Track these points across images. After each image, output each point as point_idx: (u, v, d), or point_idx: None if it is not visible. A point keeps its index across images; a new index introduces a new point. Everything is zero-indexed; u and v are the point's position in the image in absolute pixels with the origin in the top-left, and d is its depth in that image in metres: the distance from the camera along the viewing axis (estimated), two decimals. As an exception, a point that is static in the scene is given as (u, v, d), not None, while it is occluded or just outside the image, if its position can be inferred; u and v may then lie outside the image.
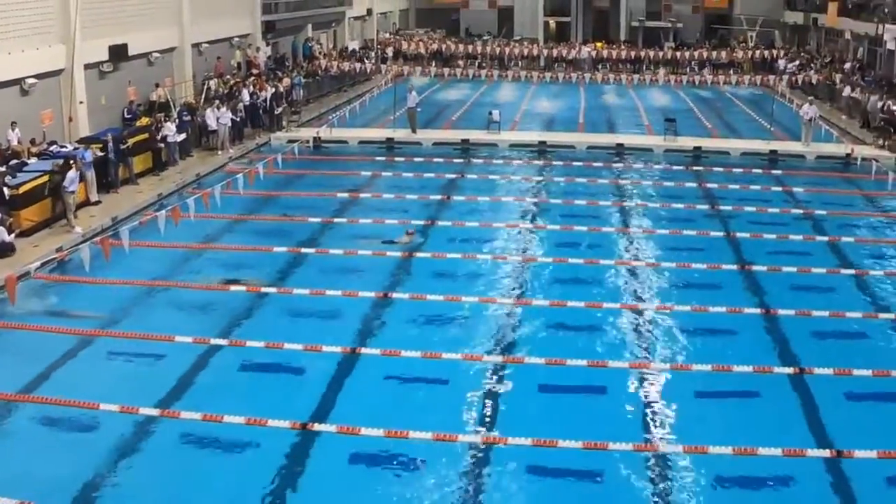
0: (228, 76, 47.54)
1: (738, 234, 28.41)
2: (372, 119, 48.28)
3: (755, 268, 25.36)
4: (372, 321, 21.70)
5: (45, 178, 27.82)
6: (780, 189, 34.94)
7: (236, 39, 51.50)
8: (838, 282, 24.88)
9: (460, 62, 67.72)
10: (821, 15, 68.33)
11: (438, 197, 32.61)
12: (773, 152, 41.16)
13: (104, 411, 16.91)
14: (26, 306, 22.02)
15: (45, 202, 27.92)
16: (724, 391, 18.52)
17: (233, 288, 23.33)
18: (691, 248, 27.30)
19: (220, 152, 38.57)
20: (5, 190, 26.51)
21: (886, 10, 54.15)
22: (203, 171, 35.76)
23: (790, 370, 19.15)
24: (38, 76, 32.15)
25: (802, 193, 34.14)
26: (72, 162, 28.16)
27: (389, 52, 69.64)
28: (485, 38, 75.56)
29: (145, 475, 15.33)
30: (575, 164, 38.66)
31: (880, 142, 41.92)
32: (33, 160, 29.38)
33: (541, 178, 36.44)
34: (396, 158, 40.07)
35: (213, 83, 44.62)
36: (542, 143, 42.56)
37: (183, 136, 36.79)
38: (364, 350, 19.91)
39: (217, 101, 40.05)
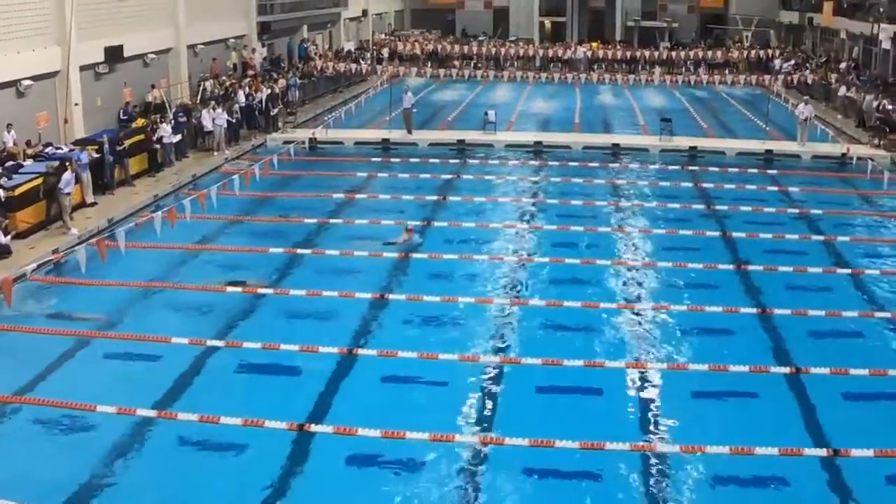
0: (224, 77, 47.51)
1: (734, 234, 28.43)
2: (368, 120, 48.27)
3: (751, 267, 25.38)
4: (368, 322, 21.69)
5: (40, 180, 27.77)
6: (775, 189, 34.98)
7: (232, 41, 51.46)
8: (834, 281, 24.90)
9: (456, 63, 67.70)
10: (816, 14, 68.40)
11: (434, 198, 32.61)
12: (769, 152, 41.21)
13: (101, 413, 16.89)
14: (22, 308, 22.01)
15: (41, 204, 27.90)
16: (721, 391, 18.51)
17: (229, 289, 23.30)
18: (687, 247, 27.33)
19: (215, 153, 38.56)
20: (1, 192, 26.46)
21: (882, 9, 54.18)
22: (199, 173, 35.75)
23: (787, 370, 19.15)
24: (33, 78, 32.09)
25: (798, 193, 34.17)
26: (67, 163, 28.16)
27: (385, 52, 69.63)
28: (480, 38, 75.57)
29: (142, 477, 15.31)
30: (571, 164, 38.68)
31: (876, 141, 41.99)
32: (29, 162, 29.33)
33: (537, 179, 36.45)
34: (392, 159, 40.07)
35: (208, 84, 44.61)
36: (538, 143, 42.60)
37: (179, 137, 36.79)
38: (361, 351, 19.89)
39: (213, 103, 40.05)
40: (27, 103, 32.10)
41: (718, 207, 31.88)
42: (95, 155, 31.08)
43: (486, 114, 44.49)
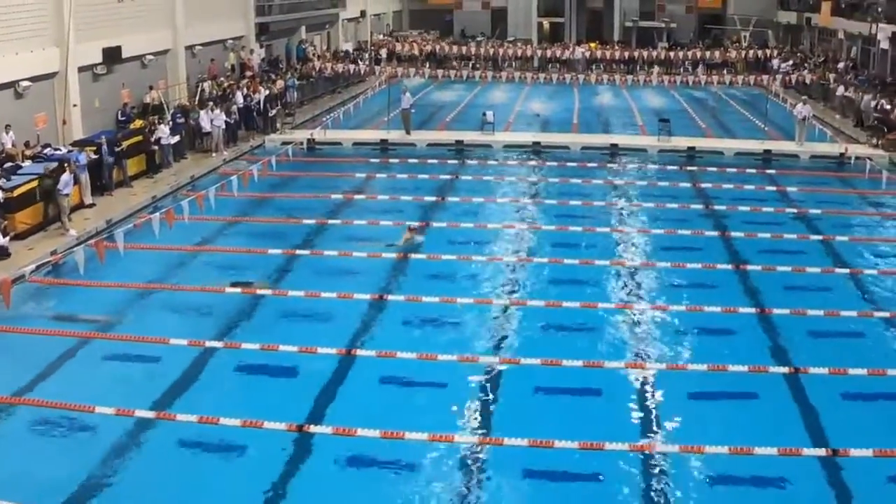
0: (222, 78, 47.48)
1: (733, 234, 28.46)
2: (366, 120, 48.25)
3: (750, 267, 25.40)
4: (367, 323, 21.69)
5: (38, 181, 27.75)
6: (774, 189, 35.01)
7: (230, 42, 51.44)
8: (833, 281, 24.91)
9: (454, 63, 67.68)
10: (814, 15, 68.39)
11: (433, 198, 32.61)
12: (767, 152, 41.22)
13: (99, 414, 16.90)
14: (21, 309, 22.00)
15: (40, 205, 27.90)
16: (720, 391, 18.53)
17: (228, 290, 23.31)
18: (686, 247, 27.35)
19: (214, 154, 38.56)
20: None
21: (880, 9, 54.19)
22: (197, 174, 35.76)
23: (785, 369, 19.17)
24: (32, 79, 32.06)
25: (796, 193, 34.18)
26: (66, 165, 28.16)
27: (383, 53, 69.60)
28: (478, 39, 75.57)
29: (141, 477, 15.30)
30: (569, 164, 38.68)
31: (874, 141, 42.01)
32: (27, 163, 29.33)
33: (535, 179, 36.47)
34: (391, 160, 40.07)
35: (206, 85, 44.54)
36: (537, 143, 42.63)
37: (177, 138, 36.79)
38: (359, 352, 19.90)
39: (211, 104, 40.02)
40: (25, 104, 32.08)
41: (717, 207, 31.91)
42: (94, 156, 31.08)
43: (484, 114, 44.50)
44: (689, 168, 38.71)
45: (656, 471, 15.53)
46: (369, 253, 26.26)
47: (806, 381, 18.71)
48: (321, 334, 20.71)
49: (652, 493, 14.92)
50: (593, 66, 67.80)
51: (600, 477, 15.36)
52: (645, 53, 68.62)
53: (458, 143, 42.61)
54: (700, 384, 18.72)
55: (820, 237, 28.59)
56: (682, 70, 66.41)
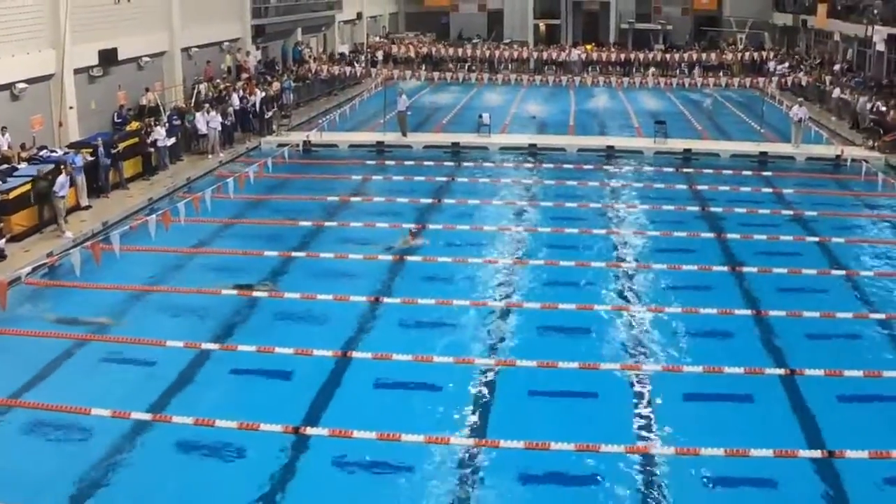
0: (218, 80, 47.45)
1: (729, 236, 28.50)
2: (362, 123, 48.23)
3: (746, 269, 25.42)
4: (363, 325, 21.69)
5: (28, 185, 27.71)
6: (770, 190, 35.05)
7: (226, 44, 51.43)
8: (829, 283, 24.95)
9: (450, 65, 67.66)
10: (810, 17, 68.40)
11: (429, 200, 32.61)
12: (763, 154, 41.19)
13: (96, 416, 16.90)
14: (17, 311, 21.99)
15: (36, 207, 27.86)
16: (716, 393, 18.54)
17: (224, 292, 23.29)
18: (682, 249, 27.35)
19: (210, 156, 38.56)
20: (-5, 195, 26.51)
21: (876, 11, 54.24)
22: (193, 176, 35.75)
23: (781, 371, 19.19)
24: (28, 81, 32.02)
25: (792, 195, 34.23)
26: (62, 167, 28.14)
27: (379, 55, 69.52)
28: (475, 41, 75.56)
29: (137, 480, 15.29)
30: (565, 166, 38.71)
31: (870, 143, 42.02)
32: (23, 165, 29.30)
33: (531, 181, 36.49)
34: (387, 162, 40.04)
35: (203, 87, 44.53)
36: (533, 145, 42.67)
37: (173, 140, 36.77)
38: (355, 354, 19.90)
39: (207, 106, 40.01)
40: (22, 106, 32.05)
41: (713, 209, 31.90)
42: (90, 158, 31.08)
43: (480, 116, 44.51)
44: (685, 170, 38.76)
45: (652, 473, 15.54)
46: (365, 255, 26.27)
47: (802, 382, 18.72)
48: (317, 336, 20.73)
49: (648, 495, 14.94)
50: (589, 68, 67.81)
51: (596, 479, 15.37)
52: (641, 55, 68.57)
53: (455, 145, 42.61)
54: (696, 386, 18.75)
55: (816, 239, 28.62)
56: (678, 72, 66.41)
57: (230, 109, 41.51)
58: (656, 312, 22.49)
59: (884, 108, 43.50)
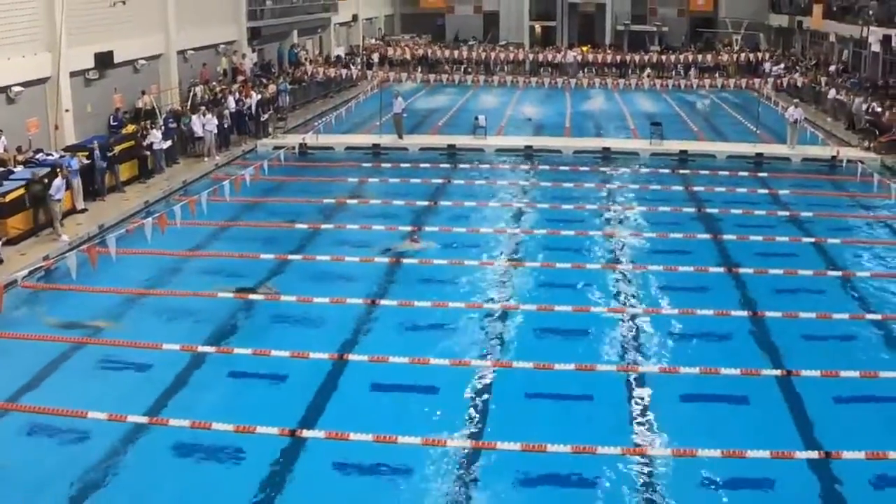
0: (214, 83, 47.48)
1: (725, 237, 28.50)
2: (358, 125, 48.27)
3: (742, 270, 25.43)
4: (360, 327, 21.69)
5: (23, 189, 27.68)
6: (766, 192, 35.09)
7: (222, 46, 51.42)
8: (825, 284, 24.97)
9: (446, 67, 67.68)
10: (805, 18, 68.50)
11: (425, 202, 32.61)
12: (759, 155, 41.20)
13: (92, 419, 16.89)
14: (13, 315, 21.97)
15: (31, 210, 27.83)
16: (712, 394, 18.54)
17: (220, 295, 23.28)
18: (678, 251, 27.35)
19: (206, 159, 38.55)
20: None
21: (871, 12, 54.29)
22: (189, 178, 35.73)
23: (778, 372, 19.20)
24: (23, 84, 32.02)
25: (788, 196, 34.27)
26: (58, 170, 28.13)
27: (375, 57, 69.52)
28: (470, 43, 75.60)
29: (134, 483, 15.28)
30: (561, 168, 38.73)
31: (865, 143, 42.05)
32: (19, 168, 29.28)
33: (527, 183, 36.50)
34: (383, 164, 40.00)
35: (198, 90, 44.54)
36: (529, 147, 42.68)
37: (169, 143, 36.73)
38: (352, 356, 19.90)
39: (203, 108, 39.99)
40: (17, 109, 32.04)
41: (709, 210, 31.92)
42: (86, 161, 31.05)
43: (476, 118, 44.53)
44: (681, 171, 38.79)
45: (649, 474, 15.54)
46: (362, 257, 26.27)
47: (798, 383, 18.72)
48: (313, 339, 20.72)
49: (645, 497, 14.95)
50: (585, 70, 67.85)
51: (593, 481, 15.38)
52: (637, 57, 68.57)
53: (451, 147, 42.62)
54: (692, 387, 18.73)
55: (812, 240, 28.65)
56: (674, 73, 66.43)
57: (226, 112, 41.49)
58: (653, 314, 22.50)
59: (879, 109, 43.55)
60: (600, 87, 63.15)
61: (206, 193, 29.52)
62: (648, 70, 66.57)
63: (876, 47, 53.57)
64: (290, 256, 26.60)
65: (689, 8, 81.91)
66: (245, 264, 25.84)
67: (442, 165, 39.47)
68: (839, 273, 25.68)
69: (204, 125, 38.65)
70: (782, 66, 64.20)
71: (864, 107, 44.86)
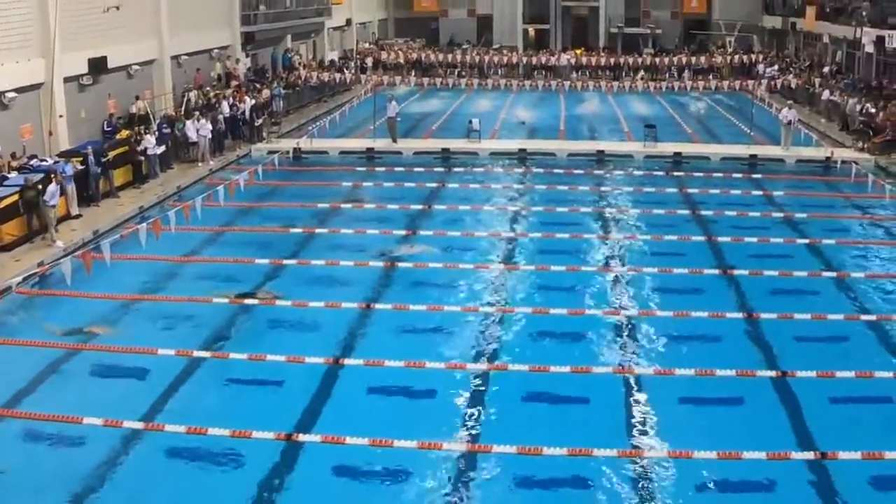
0: (208, 88, 47.48)
1: (720, 239, 28.52)
2: (352, 129, 48.27)
3: (737, 272, 25.44)
4: (355, 331, 21.68)
5: (17, 195, 27.65)
6: (760, 193, 35.13)
7: (216, 51, 51.43)
8: (820, 284, 24.99)
9: (440, 71, 67.70)
10: (799, 19, 68.63)
11: (420, 206, 32.61)
12: (753, 157, 41.27)
13: (88, 425, 16.86)
14: (8, 321, 21.97)
15: (25, 217, 27.80)
16: (708, 395, 18.54)
17: (215, 300, 23.26)
18: (673, 253, 27.37)
19: (200, 164, 38.54)
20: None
21: (864, 13, 54.37)
22: (184, 184, 35.71)
23: (773, 373, 19.20)
24: (17, 90, 32.04)
25: (783, 197, 34.33)
26: (52, 176, 28.11)
27: (369, 61, 69.59)
28: (464, 46, 75.63)
29: (130, 489, 15.26)
30: (556, 171, 38.73)
31: (859, 144, 42.11)
32: (13, 174, 29.26)
33: (522, 186, 36.50)
34: (377, 168, 40.03)
35: (192, 95, 44.52)
36: (523, 150, 42.69)
37: (163, 148, 36.73)
38: (347, 361, 19.89)
39: (197, 113, 39.98)
40: (11, 115, 32.03)
41: (703, 212, 31.92)
42: (80, 167, 31.05)
43: (470, 122, 44.53)
44: (675, 173, 38.79)
45: (645, 476, 15.54)
46: (356, 261, 26.26)
47: (794, 384, 18.73)
48: (309, 343, 20.72)
49: (641, 499, 14.94)
50: (579, 73, 67.88)
51: (589, 483, 15.37)
52: (630, 59, 68.69)
53: (445, 150, 42.66)
54: (688, 389, 18.72)
55: (807, 241, 28.66)
56: (667, 76, 66.49)
57: (220, 117, 41.51)
58: (648, 316, 22.49)
59: (873, 110, 43.64)
60: (594, 90, 63.12)
61: (201, 198, 29.46)
62: (642, 72, 66.70)
63: (869, 48, 53.65)
64: (285, 261, 26.59)
65: (682, 10, 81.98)
66: (240, 269, 25.80)
67: (436, 169, 39.52)
68: (834, 274, 25.70)
69: (198, 130, 38.64)
70: (776, 67, 64.30)
71: (858, 108, 44.93)
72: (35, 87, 33.36)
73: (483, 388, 18.78)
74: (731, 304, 23.38)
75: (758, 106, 49.84)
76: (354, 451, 16.07)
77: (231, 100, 43.96)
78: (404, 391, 18.79)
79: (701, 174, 38.08)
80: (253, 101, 44.79)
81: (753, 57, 67.88)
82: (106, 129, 37.56)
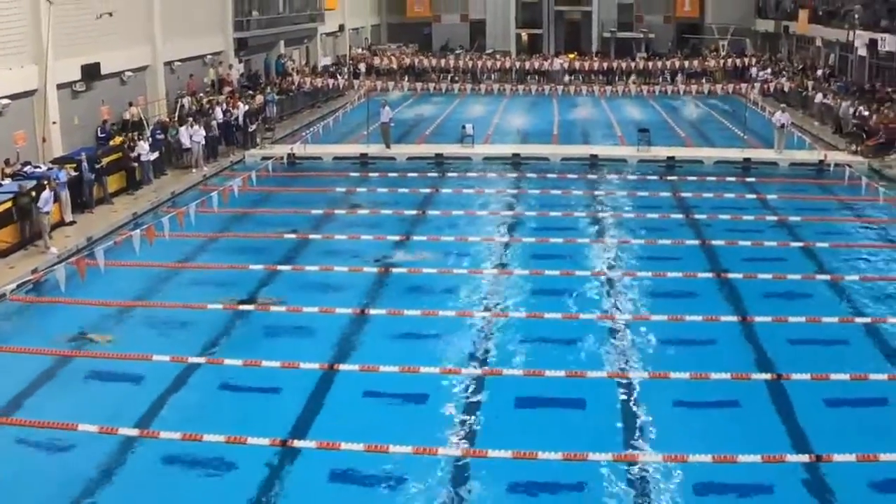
0: (201, 94, 47.45)
1: (714, 243, 28.52)
2: (345, 134, 48.21)
3: (731, 275, 25.46)
4: (349, 337, 21.67)
5: (10, 202, 27.62)
6: (754, 196, 35.14)
7: (209, 57, 51.43)
8: (814, 287, 25.01)
9: (433, 76, 67.73)
10: (792, 22, 68.79)
11: (414, 212, 32.60)
12: (747, 160, 41.32)
13: (82, 431, 16.83)
14: (2, 328, 21.94)
15: (19, 223, 27.77)
16: (703, 399, 18.54)
17: (210, 306, 23.22)
18: (667, 257, 27.38)
19: (194, 170, 38.51)
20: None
21: (856, 16, 54.49)
22: (177, 190, 35.70)
23: (768, 376, 19.21)
24: (10, 97, 31.99)
25: (776, 200, 34.34)
26: (46, 182, 28.08)
27: (362, 67, 69.68)
28: (457, 51, 75.69)
29: (125, 496, 15.26)
30: (549, 175, 38.73)
31: (853, 147, 42.18)
32: (7, 181, 29.23)
33: (515, 191, 36.52)
34: (371, 174, 40.02)
35: (186, 101, 44.50)
36: (516, 155, 42.70)
37: (156, 154, 36.70)
38: (342, 366, 19.88)
39: (190, 119, 39.95)
40: (4, 122, 31.97)
41: (697, 216, 31.99)
42: (74, 173, 31.01)
43: (463, 127, 44.55)
44: (668, 178, 38.79)
45: (640, 480, 15.54)
46: (351, 267, 26.26)
47: (788, 387, 18.74)
48: (304, 349, 20.70)
49: (636, 503, 14.94)
50: (572, 77, 67.93)
51: (584, 487, 15.37)
52: (623, 64, 68.83)
53: (438, 156, 42.65)
54: (683, 393, 18.71)
55: (800, 244, 28.68)
56: (660, 80, 66.55)
57: (213, 123, 41.46)
58: (642, 320, 22.50)
59: (866, 113, 43.72)
60: (587, 95, 63.28)
61: (195, 205, 29.43)
62: (635, 77, 66.77)
63: (862, 51, 53.82)
64: (280, 267, 26.57)
65: (675, 14, 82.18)
66: (234, 275, 25.81)
67: (430, 174, 39.52)
68: (828, 277, 25.71)
69: (191, 136, 38.61)
70: (769, 71, 64.43)
71: (851, 111, 45.02)
72: (28, 93, 33.33)
73: (478, 393, 18.78)
74: (725, 307, 23.40)
75: (751, 109, 49.94)
76: (349, 457, 16.05)
77: (224, 106, 43.91)
78: (399, 396, 18.78)
79: (694, 178, 38.09)
80: (246, 107, 44.77)
81: (746, 60, 67.89)
82: (99, 135, 37.51)
